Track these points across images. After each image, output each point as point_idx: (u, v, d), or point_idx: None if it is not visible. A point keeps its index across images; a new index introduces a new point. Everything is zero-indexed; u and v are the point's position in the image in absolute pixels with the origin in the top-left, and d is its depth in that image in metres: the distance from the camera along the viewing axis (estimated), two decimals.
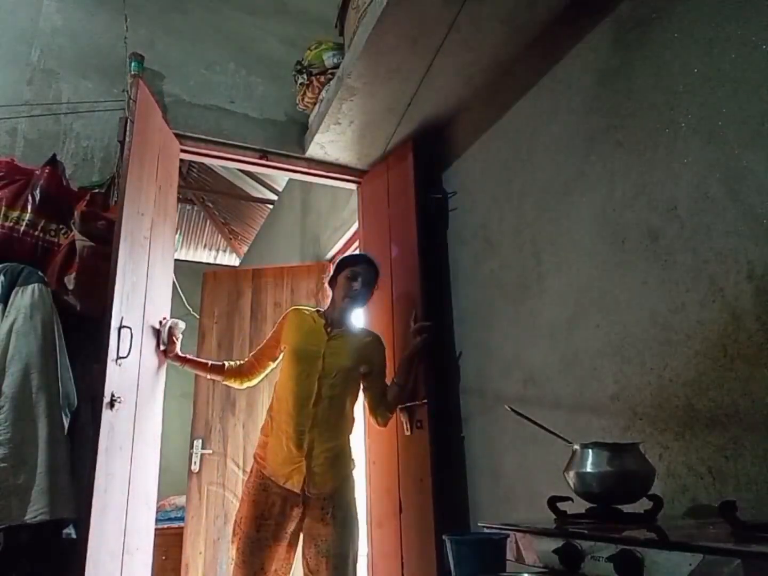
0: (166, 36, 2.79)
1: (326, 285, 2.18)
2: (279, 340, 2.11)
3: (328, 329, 2.06)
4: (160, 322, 2.22)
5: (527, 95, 2.04)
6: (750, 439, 1.18)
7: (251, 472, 1.97)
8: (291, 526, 1.89)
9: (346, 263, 2.12)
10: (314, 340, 2.02)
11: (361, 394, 2.13)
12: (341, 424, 1.99)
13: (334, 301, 2.11)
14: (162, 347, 2.20)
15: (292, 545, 1.92)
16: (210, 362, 2.23)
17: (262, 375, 2.20)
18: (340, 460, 1.97)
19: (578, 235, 1.74)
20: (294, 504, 1.88)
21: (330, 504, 1.89)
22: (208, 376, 2.26)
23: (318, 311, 2.14)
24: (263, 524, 1.85)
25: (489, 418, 2.08)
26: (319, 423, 1.91)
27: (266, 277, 3.88)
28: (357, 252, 2.20)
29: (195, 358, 2.27)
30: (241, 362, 2.20)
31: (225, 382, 2.20)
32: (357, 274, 2.06)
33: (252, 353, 2.21)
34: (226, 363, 2.20)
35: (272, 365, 2.18)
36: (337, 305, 2.10)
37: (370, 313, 2.59)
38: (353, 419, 2.06)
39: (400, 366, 2.17)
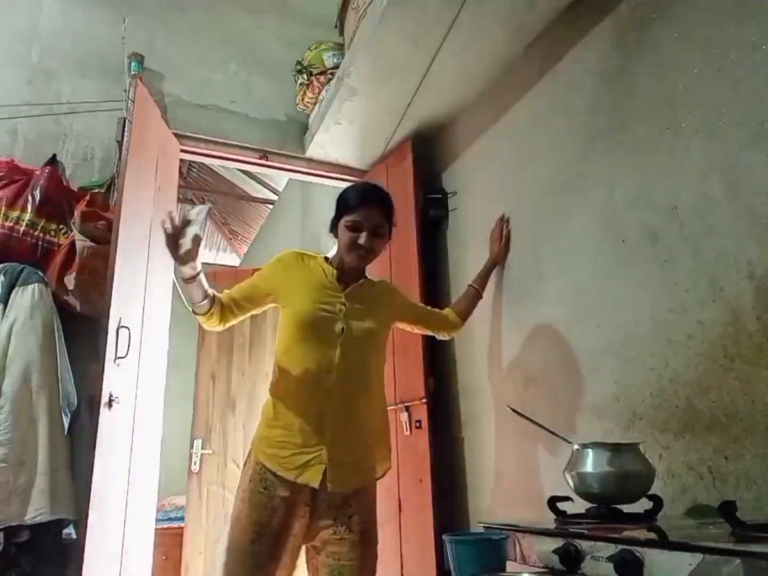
0: (166, 36, 2.79)
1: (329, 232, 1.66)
2: (269, 291, 1.60)
3: (342, 284, 1.57)
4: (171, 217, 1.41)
5: (527, 95, 2.04)
6: (750, 439, 1.18)
7: (248, 465, 1.52)
8: (289, 543, 1.46)
9: (344, 206, 1.57)
10: (327, 298, 1.53)
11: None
12: (372, 399, 1.55)
13: (341, 251, 1.59)
14: (181, 248, 1.39)
15: (287, 567, 1.48)
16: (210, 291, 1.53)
17: (234, 322, 1.62)
18: (376, 446, 1.54)
19: (578, 235, 1.74)
20: (300, 514, 1.45)
21: (347, 510, 1.45)
22: (201, 303, 1.52)
23: (326, 258, 1.63)
24: (260, 535, 1.42)
25: (489, 418, 2.08)
26: (343, 401, 1.47)
27: None
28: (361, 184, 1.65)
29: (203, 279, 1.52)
30: (221, 297, 1.57)
31: (206, 316, 1.54)
32: (359, 225, 1.52)
33: (232, 292, 1.60)
34: (216, 295, 1.55)
35: (252, 313, 1.65)
36: (342, 257, 1.59)
37: None
38: (383, 391, 1.62)
39: (482, 273, 2.01)
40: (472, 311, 1.92)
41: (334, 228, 1.60)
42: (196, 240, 1.40)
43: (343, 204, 1.57)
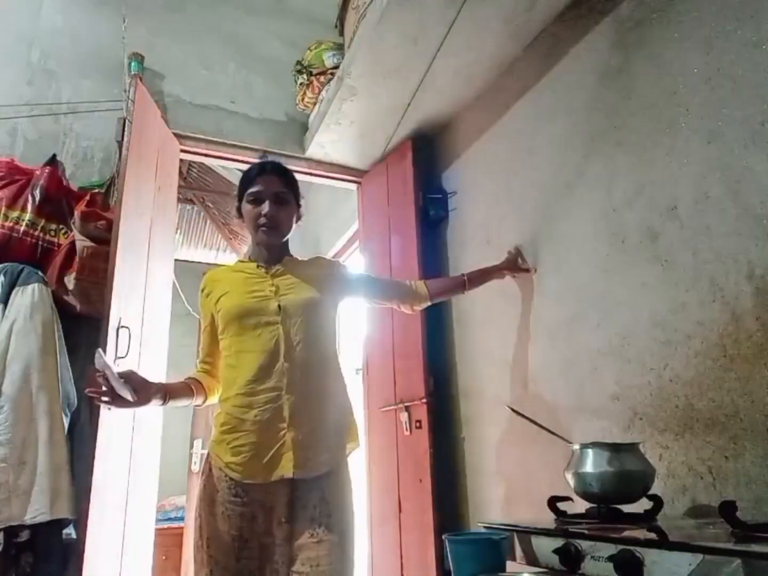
0: (166, 36, 2.79)
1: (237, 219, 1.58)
2: (212, 321, 1.49)
3: (263, 269, 1.50)
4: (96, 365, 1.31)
5: (527, 95, 2.04)
6: (750, 439, 1.18)
7: (208, 474, 1.37)
8: (281, 553, 1.29)
9: (243, 182, 1.51)
10: (254, 287, 1.45)
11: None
12: (329, 372, 1.45)
13: (250, 234, 1.54)
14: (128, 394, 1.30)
15: None
16: (185, 383, 1.49)
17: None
18: (340, 421, 1.44)
19: (578, 235, 1.74)
20: (285, 514, 1.31)
21: (325, 507, 1.33)
22: (196, 404, 1.53)
23: (240, 261, 1.58)
24: (245, 549, 1.27)
25: (489, 419, 2.08)
26: (296, 377, 1.36)
27: None
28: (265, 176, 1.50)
29: (173, 385, 1.48)
30: (195, 377, 1.51)
31: (210, 401, 1.53)
32: (260, 194, 1.46)
33: (201, 356, 1.54)
34: (195, 381, 1.50)
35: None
36: (255, 244, 1.54)
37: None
38: (339, 364, 1.51)
39: (479, 273, 1.90)
40: (446, 297, 1.83)
41: (239, 214, 1.53)
42: (118, 379, 1.27)
43: (242, 181, 1.51)
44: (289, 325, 1.40)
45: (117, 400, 1.30)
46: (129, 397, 1.29)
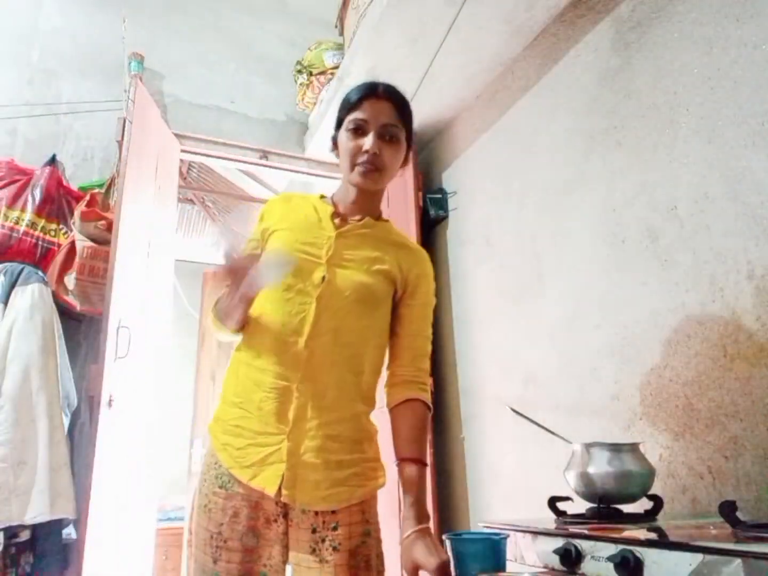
0: (166, 36, 2.79)
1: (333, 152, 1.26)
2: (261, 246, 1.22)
3: (336, 220, 1.20)
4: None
5: (527, 95, 2.04)
6: (750, 439, 1.18)
7: (205, 456, 1.16)
8: (270, 556, 1.05)
9: (345, 106, 1.21)
10: (311, 238, 1.16)
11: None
12: (357, 379, 1.13)
13: (343, 171, 1.21)
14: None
15: None
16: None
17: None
18: (354, 445, 1.11)
19: (578, 235, 1.74)
20: (274, 515, 1.05)
21: (332, 517, 1.05)
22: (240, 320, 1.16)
23: (323, 196, 1.27)
24: (222, 549, 1.03)
25: (489, 419, 2.08)
26: (315, 374, 1.08)
27: None
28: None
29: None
30: None
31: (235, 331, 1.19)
32: (363, 124, 1.15)
33: None
34: None
35: None
36: (348, 184, 1.21)
37: None
38: (374, 386, 1.18)
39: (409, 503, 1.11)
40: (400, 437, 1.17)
41: (335, 146, 1.23)
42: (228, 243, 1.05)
43: (344, 104, 1.20)
44: (325, 304, 1.10)
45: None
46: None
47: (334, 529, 1.05)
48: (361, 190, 1.19)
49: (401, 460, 1.11)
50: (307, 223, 1.19)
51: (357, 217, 1.21)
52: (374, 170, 1.14)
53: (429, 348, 1.24)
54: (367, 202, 1.22)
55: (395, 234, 1.26)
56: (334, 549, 1.04)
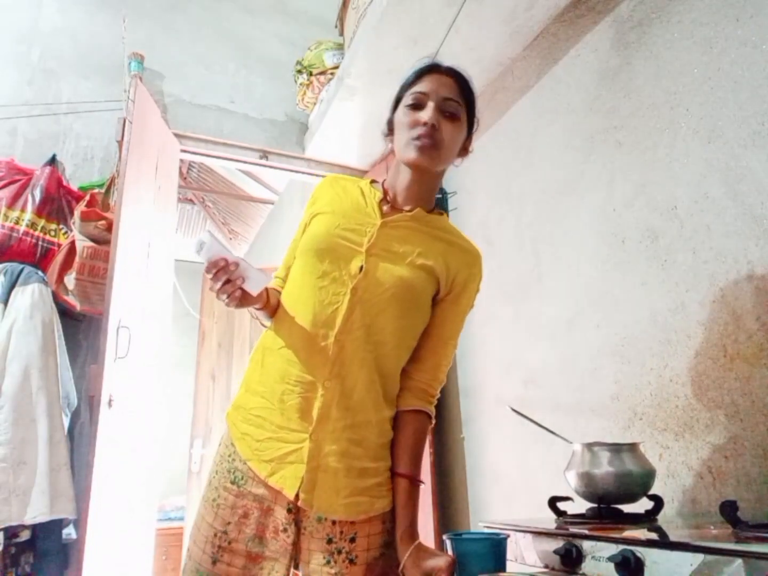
0: (166, 36, 2.79)
1: (386, 137, 1.20)
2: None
3: (385, 207, 1.12)
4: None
5: (527, 95, 2.04)
6: (750, 439, 1.18)
7: (220, 445, 1.10)
8: (273, 569, 0.99)
9: (404, 85, 1.15)
10: (354, 224, 1.08)
11: None
12: (383, 381, 1.06)
13: (398, 150, 1.12)
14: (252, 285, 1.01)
15: None
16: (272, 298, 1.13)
17: None
18: (378, 451, 1.04)
19: (578, 235, 1.74)
20: (284, 524, 0.99)
21: (350, 528, 0.99)
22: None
23: (373, 181, 1.21)
24: (224, 550, 0.97)
25: (489, 419, 2.08)
26: (343, 372, 1.01)
27: None
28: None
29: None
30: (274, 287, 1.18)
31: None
32: (422, 97, 1.07)
33: (278, 273, 1.21)
34: (275, 293, 1.15)
35: None
36: (400, 166, 1.13)
37: None
38: (399, 381, 1.12)
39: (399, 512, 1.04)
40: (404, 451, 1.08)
41: (390, 128, 1.16)
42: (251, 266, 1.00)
43: (404, 83, 1.14)
44: (359, 299, 1.02)
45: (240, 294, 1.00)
46: (253, 286, 1.00)
47: (352, 540, 0.98)
48: (415, 171, 1.09)
49: (398, 475, 1.05)
50: (353, 208, 1.11)
51: (408, 207, 1.11)
52: (432, 146, 1.04)
53: (452, 358, 1.17)
54: (422, 188, 1.12)
55: (449, 229, 1.15)
56: (351, 562, 0.97)
